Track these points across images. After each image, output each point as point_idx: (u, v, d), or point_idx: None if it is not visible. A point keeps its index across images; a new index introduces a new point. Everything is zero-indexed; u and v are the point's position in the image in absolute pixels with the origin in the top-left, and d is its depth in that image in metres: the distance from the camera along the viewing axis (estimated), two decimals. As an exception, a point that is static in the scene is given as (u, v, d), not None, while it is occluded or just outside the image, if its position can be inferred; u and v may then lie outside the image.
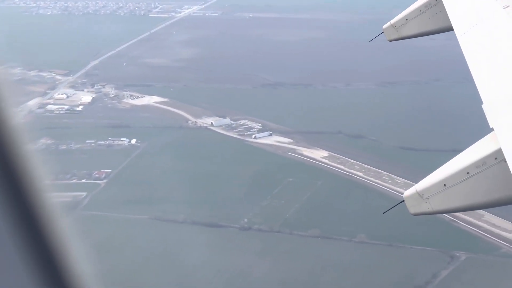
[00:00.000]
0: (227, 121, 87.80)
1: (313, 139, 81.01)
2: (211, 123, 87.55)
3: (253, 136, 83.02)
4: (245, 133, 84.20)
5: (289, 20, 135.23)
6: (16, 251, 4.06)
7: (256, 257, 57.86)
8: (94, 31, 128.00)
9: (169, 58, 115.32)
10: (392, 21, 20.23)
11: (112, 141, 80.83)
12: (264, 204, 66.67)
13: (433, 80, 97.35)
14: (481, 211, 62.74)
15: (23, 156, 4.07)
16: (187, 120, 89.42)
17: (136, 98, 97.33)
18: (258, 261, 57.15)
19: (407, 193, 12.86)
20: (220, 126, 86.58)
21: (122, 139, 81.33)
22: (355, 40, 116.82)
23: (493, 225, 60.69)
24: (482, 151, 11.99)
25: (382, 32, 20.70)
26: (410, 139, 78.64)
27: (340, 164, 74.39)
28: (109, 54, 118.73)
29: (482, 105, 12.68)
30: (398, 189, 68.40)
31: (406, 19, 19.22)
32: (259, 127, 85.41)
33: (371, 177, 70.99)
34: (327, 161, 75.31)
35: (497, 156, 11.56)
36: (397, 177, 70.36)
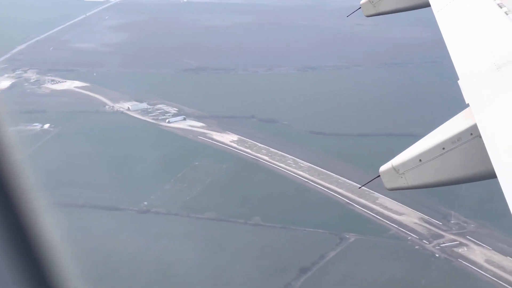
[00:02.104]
0: (144, 105, 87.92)
1: (226, 123, 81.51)
2: (128, 107, 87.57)
3: (167, 120, 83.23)
4: (160, 118, 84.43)
5: (223, 5, 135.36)
6: None
7: (149, 239, 58.26)
8: (26, 15, 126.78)
9: (97, 43, 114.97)
10: None
11: (24, 127, 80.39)
12: (167, 188, 67.03)
13: (354, 66, 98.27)
14: (375, 194, 63.94)
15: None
16: (104, 104, 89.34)
17: (57, 83, 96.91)
18: (150, 243, 57.56)
19: (382, 168, 12.76)
20: (136, 110, 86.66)
21: (34, 124, 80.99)
22: (285, 24, 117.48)
23: (386, 207, 61.77)
24: (457, 127, 11.90)
25: (360, 8, 20.64)
26: (321, 124, 79.50)
27: (248, 148, 74.98)
28: (38, 38, 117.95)
29: (458, 81, 12.73)
30: (300, 173, 69.30)
31: None
32: (175, 112, 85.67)
33: (276, 161, 71.69)
34: (235, 145, 75.84)
35: (472, 132, 11.55)
36: (302, 161, 71.15)
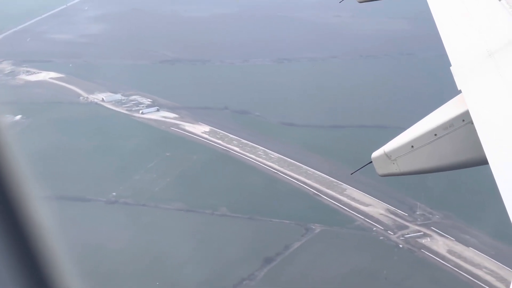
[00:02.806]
0: (118, 96, 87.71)
1: (199, 114, 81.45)
2: (102, 98, 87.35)
3: (140, 111, 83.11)
4: (133, 109, 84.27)
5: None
6: None
7: (114, 230, 58.27)
8: (3, 6, 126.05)
9: (75, 34, 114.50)
10: None
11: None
12: (137, 178, 67.00)
13: (330, 57, 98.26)
14: (344, 185, 64.15)
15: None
16: (79, 95, 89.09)
17: (32, 74, 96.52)
18: (115, 234, 57.57)
19: (375, 154, 12.74)
20: (111, 101, 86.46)
21: (5, 116, 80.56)
22: (264, 16, 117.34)
23: (353, 199, 61.94)
24: (449, 113, 11.87)
25: None
26: (293, 115, 79.52)
27: (219, 139, 74.98)
28: (15, 29, 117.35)
29: (451, 67, 12.63)
30: (270, 164, 69.38)
31: None
32: (149, 103, 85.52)
33: (247, 152, 71.73)
34: (207, 136, 75.84)
35: (465, 118, 11.51)
36: (272, 152, 71.21)
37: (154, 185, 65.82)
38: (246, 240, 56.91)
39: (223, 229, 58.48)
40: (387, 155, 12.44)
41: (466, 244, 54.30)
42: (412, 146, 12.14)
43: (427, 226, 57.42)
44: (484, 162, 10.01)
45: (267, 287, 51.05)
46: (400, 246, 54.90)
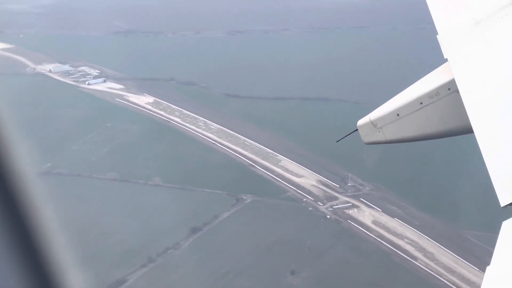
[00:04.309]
0: (67, 67, 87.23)
1: (145, 85, 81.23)
2: (50, 69, 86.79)
3: (87, 82, 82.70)
4: (80, 80, 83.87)
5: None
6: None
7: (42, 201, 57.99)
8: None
9: (28, 4, 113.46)
10: None
11: None
12: (74, 149, 66.81)
13: (282, 30, 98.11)
14: (279, 156, 64.34)
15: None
16: (26, 66, 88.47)
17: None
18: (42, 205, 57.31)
19: (360, 122, 12.53)
20: (58, 72, 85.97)
21: (-51, 85, 79.99)
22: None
23: (287, 170, 62.16)
24: (435, 82, 11.67)
25: None
26: (238, 87, 79.51)
27: (161, 110, 74.87)
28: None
29: (437, 36, 12.40)
30: (209, 135, 69.44)
31: None
32: (96, 74, 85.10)
33: (187, 123, 71.71)
34: (150, 107, 75.70)
35: (450, 87, 11.34)
36: (212, 123, 71.25)
37: (91, 156, 65.69)
38: (176, 210, 56.96)
39: (154, 199, 58.50)
40: (372, 123, 12.32)
41: (392, 215, 54.75)
42: (398, 114, 12.05)
43: (356, 197, 57.80)
44: (469, 131, 9.94)
45: (191, 256, 51.19)
46: (328, 216, 55.25)
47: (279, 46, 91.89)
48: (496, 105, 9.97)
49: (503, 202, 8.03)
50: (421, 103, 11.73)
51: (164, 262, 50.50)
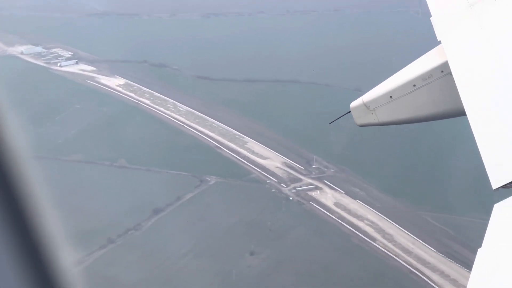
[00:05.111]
0: (39, 49, 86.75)
1: (117, 67, 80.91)
2: (22, 51, 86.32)
3: (58, 64, 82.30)
4: (52, 61, 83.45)
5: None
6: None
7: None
8: None
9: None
10: None
11: None
12: (40, 131, 66.46)
13: (257, 13, 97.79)
14: (246, 138, 64.27)
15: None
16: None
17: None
18: None
19: (353, 104, 12.43)
20: (30, 54, 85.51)
21: None
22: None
23: (253, 152, 62.09)
24: (429, 64, 11.54)
25: None
26: (210, 69, 79.30)
27: (132, 92, 74.62)
28: None
29: (431, 18, 12.18)
30: (178, 117, 69.27)
31: None
32: (69, 56, 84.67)
33: (157, 105, 71.49)
34: (120, 89, 75.44)
35: (443, 69, 11.19)
36: (182, 105, 71.07)
37: (57, 138, 65.48)
38: (139, 191, 56.92)
39: (118, 181, 58.45)
40: (366, 105, 12.25)
41: (354, 197, 54.78)
42: (391, 97, 11.97)
43: (320, 179, 57.79)
44: (462, 113, 9.86)
45: (151, 237, 51.15)
46: (290, 198, 55.24)
47: (253, 29, 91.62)
48: (489, 87, 9.89)
49: (495, 185, 8.01)
50: (414, 85, 11.72)
51: (124, 243, 50.48)
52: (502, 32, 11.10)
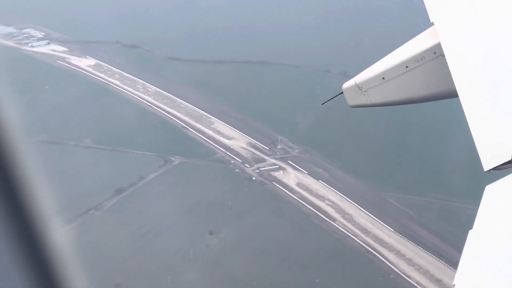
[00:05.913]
0: (11, 29, 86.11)
1: (89, 48, 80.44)
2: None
3: (30, 44, 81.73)
4: (24, 42, 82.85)
5: None
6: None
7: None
8: None
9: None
10: None
11: None
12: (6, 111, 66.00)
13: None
14: (212, 119, 64.10)
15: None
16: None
17: None
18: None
19: (346, 85, 12.30)
20: (1, 34, 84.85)
21: None
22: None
23: (219, 132, 61.92)
24: (421, 45, 11.39)
25: None
26: (181, 50, 79.00)
27: (102, 73, 74.22)
28: None
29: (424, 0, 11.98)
30: (146, 97, 68.99)
31: None
32: (41, 36, 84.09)
33: (126, 85, 71.15)
34: (91, 70, 75.02)
35: (436, 51, 11.01)
36: (151, 86, 70.78)
37: (24, 118, 65.00)
38: (103, 171, 56.74)
39: (82, 161, 58.21)
40: (358, 86, 12.15)
41: (317, 177, 54.74)
42: (383, 78, 11.88)
43: (284, 160, 57.70)
44: (454, 95, 9.86)
45: (111, 217, 51.02)
46: (253, 178, 55.16)
47: (225, 9, 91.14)
48: (482, 69, 9.83)
49: (486, 167, 7.96)
50: (406, 66, 11.68)
51: (83, 222, 50.29)
52: (495, 14, 11.07)
